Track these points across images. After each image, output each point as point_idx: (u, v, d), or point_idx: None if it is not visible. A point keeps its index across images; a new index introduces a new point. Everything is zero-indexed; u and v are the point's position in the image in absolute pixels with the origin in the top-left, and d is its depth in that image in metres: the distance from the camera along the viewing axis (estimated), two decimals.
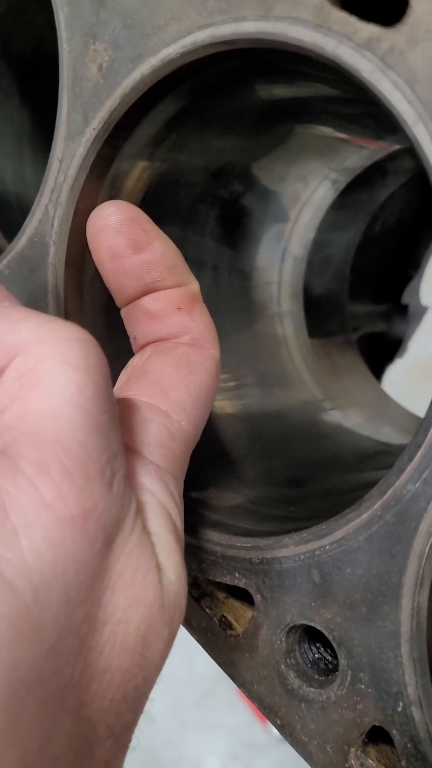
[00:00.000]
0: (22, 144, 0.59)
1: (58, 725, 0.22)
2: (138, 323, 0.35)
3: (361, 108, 0.40)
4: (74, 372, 0.24)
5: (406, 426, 0.56)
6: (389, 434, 0.53)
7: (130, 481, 0.28)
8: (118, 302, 0.36)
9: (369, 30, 0.25)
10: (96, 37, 0.34)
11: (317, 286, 0.56)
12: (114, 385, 0.32)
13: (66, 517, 0.22)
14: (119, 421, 0.30)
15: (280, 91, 0.38)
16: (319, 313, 0.56)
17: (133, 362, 0.34)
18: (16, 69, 0.56)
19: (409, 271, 0.71)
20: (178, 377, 0.32)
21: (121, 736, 0.25)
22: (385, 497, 0.27)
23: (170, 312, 0.34)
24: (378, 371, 0.76)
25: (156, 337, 0.35)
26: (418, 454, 0.26)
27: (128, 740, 0.26)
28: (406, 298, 0.73)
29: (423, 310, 0.77)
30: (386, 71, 0.25)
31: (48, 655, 0.21)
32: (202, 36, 0.30)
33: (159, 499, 0.28)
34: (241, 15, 0.29)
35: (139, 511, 0.27)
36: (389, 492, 0.27)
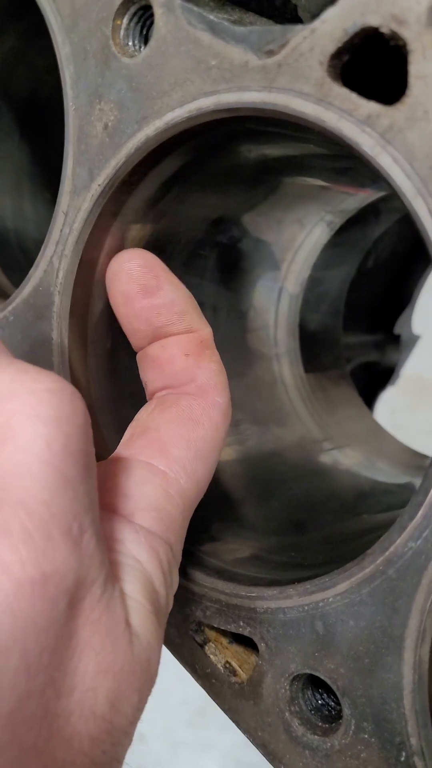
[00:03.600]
0: (21, 181, 0.60)
1: None
2: (148, 370, 0.36)
3: (353, 162, 0.41)
4: (43, 426, 0.23)
5: (399, 459, 0.57)
6: (384, 468, 0.54)
7: (113, 545, 0.28)
8: (134, 347, 0.37)
9: (369, 107, 0.26)
10: (101, 97, 0.35)
11: (312, 322, 0.57)
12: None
13: (24, 581, 0.22)
14: (115, 484, 0.30)
15: (273, 150, 0.39)
16: (315, 349, 0.57)
17: (138, 415, 0.35)
18: (16, 109, 0.57)
19: (401, 301, 0.72)
20: (179, 433, 0.32)
21: None
22: (387, 553, 0.28)
23: (177, 359, 0.35)
24: (370, 399, 0.77)
25: (163, 385, 0.35)
26: (419, 513, 0.27)
27: None
28: (398, 328, 0.74)
29: (415, 339, 0.79)
30: (386, 147, 0.26)
31: (6, 722, 0.21)
32: (206, 102, 0.31)
33: (144, 567, 0.28)
34: (244, 84, 0.30)
35: (114, 573, 0.27)
36: (391, 549, 0.28)
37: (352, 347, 0.66)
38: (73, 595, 0.23)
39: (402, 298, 0.72)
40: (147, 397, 0.36)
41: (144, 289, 0.34)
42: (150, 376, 0.36)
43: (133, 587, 0.27)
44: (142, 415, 0.34)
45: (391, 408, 0.79)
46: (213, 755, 1.49)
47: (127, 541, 0.28)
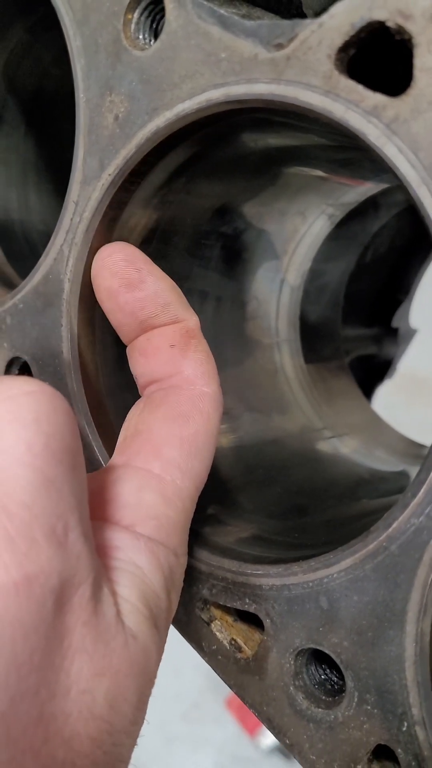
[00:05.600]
0: (26, 173, 0.60)
1: None
2: (136, 363, 0.36)
3: (355, 153, 0.42)
4: (23, 428, 0.24)
5: (396, 447, 0.58)
6: (381, 456, 0.55)
7: (112, 552, 0.28)
8: (123, 341, 0.37)
9: (375, 98, 0.27)
10: (112, 89, 0.36)
11: (313, 314, 0.58)
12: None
13: (8, 584, 0.22)
14: (113, 495, 0.30)
15: (277, 140, 0.40)
16: (315, 340, 0.58)
17: (129, 415, 0.35)
18: (22, 102, 0.57)
19: (399, 295, 0.73)
20: (170, 432, 0.32)
21: None
22: (390, 530, 0.29)
23: (162, 350, 0.34)
24: (368, 391, 0.78)
25: (151, 378, 0.35)
26: (421, 491, 0.28)
27: None
28: (396, 321, 0.75)
29: (412, 332, 0.80)
30: (391, 137, 0.27)
31: None
32: (216, 94, 0.32)
33: (144, 573, 0.28)
34: (253, 77, 0.31)
35: (109, 577, 0.27)
36: (394, 525, 0.29)
37: (351, 340, 0.67)
38: (59, 595, 0.23)
39: (400, 292, 0.73)
40: (139, 392, 0.37)
41: (126, 282, 0.35)
42: (138, 369, 0.36)
43: (130, 591, 0.27)
44: (133, 415, 0.34)
45: (387, 401, 0.80)
46: (207, 749, 1.50)
47: (127, 548, 0.29)
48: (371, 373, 0.77)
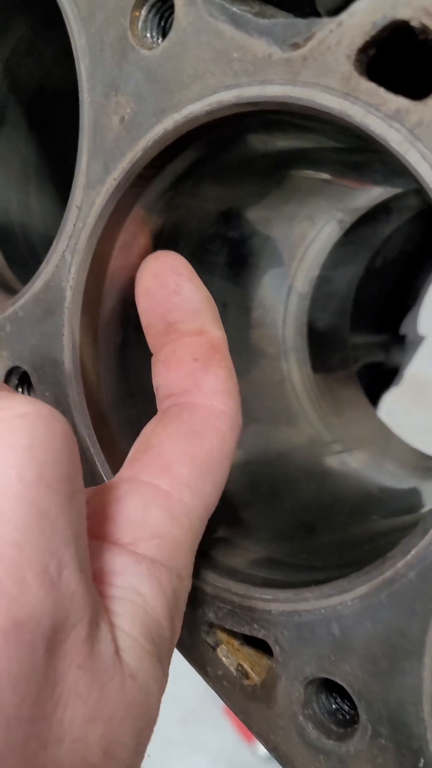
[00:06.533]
0: (28, 174, 0.59)
1: None
2: (158, 374, 0.35)
3: (367, 156, 0.41)
4: (15, 455, 0.22)
5: (407, 460, 0.56)
6: (391, 470, 0.54)
7: (112, 579, 0.26)
8: (150, 347, 0.36)
9: (397, 102, 0.26)
10: (118, 89, 0.34)
11: (321, 321, 0.57)
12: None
13: None
14: (116, 511, 0.29)
15: (286, 142, 0.39)
16: (323, 348, 0.57)
17: (144, 431, 0.34)
18: (23, 101, 0.56)
19: (408, 301, 0.72)
20: (182, 449, 0.31)
21: None
22: (408, 557, 0.27)
23: (185, 363, 0.34)
24: (374, 398, 0.77)
25: (170, 391, 0.34)
26: None
27: None
28: (404, 328, 0.74)
29: (420, 339, 0.79)
30: (414, 143, 0.26)
31: None
32: (227, 96, 0.30)
33: (146, 600, 0.27)
34: (267, 78, 0.29)
35: (108, 608, 0.25)
36: (413, 551, 0.27)
37: (359, 347, 0.65)
38: (52, 640, 0.22)
39: (409, 298, 0.71)
40: (157, 405, 0.35)
41: (164, 284, 0.34)
42: (160, 380, 0.35)
43: (130, 624, 0.26)
44: (147, 431, 0.33)
45: (391, 407, 0.79)
46: (204, 754, 1.48)
47: (128, 573, 0.27)
48: (378, 380, 0.76)
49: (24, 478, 0.22)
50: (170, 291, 0.34)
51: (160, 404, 0.35)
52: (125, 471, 0.31)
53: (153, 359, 0.35)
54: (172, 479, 0.30)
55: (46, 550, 0.22)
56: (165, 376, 0.34)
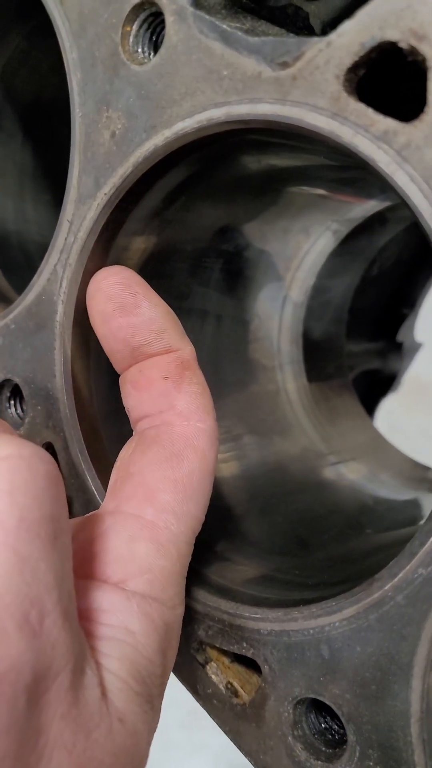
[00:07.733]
0: (23, 183, 0.59)
1: None
2: (127, 396, 0.34)
3: (361, 173, 0.41)
4: None
5: (402, 470, 0.56)
6: (386, 480, 0.54)
7: (101, 617, 0.26)
8: (116, 370, 0.35)
9: (386, 123, 0.26)
10: (109, 104, 0.34)
11: (316, 330, 0.57)
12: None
13: None
14: (103, 547, 0.28)
15: (279, 161, 0.38)
16: (318, 358, 0.56)
17: (121, 454, 0.33)
18: (19, 110, 0.56)
19: (405, 309, 0.72)
20: (164, 475, 0.30)
21: None
22: (395, 579, 0.27)
23: (155, 383, 0.32)
24: (370, 406, 0.77)
25: (144, 413, 0.33)
26: (430, 539, 0.26)
27: None
28: (401, 336, 0.74)
29: (417, 347, 0.78)
30: (402, 164, 0.25)
31: None
32: (217, 113, 0.30)
33: (136, 638, 0.26)
34: (257, 96, 0.29)
35: (96, 649, 0.25)
36: (400, 574, 0.27)
37: (355, 355, 0.65)
38: (33, 691, 0.21)
39: (405, 306, 0.71)
40: (131, 426, 0.34)
41: (121, 307, 0.33)
42: (130, 402, 0.34)
43: (119, 664, 0.25)
44: (125, 455, 0.32)
45: (388, 413, 0.78)
46: (204, 757, 1.48)
47: (117, 611, 0.27)
48: (374, 388, 0.76)
49: (4, 524, 0.21)
50: (129, 314, 0.32)
51: (135, 426, 0.34)
52: (108, 503, 0.31)
53: (120, 380, 0.34)
54: (156, 508, 0.29)
55: (27, 598, 0.21)
56: (136, 398, 0.33)
